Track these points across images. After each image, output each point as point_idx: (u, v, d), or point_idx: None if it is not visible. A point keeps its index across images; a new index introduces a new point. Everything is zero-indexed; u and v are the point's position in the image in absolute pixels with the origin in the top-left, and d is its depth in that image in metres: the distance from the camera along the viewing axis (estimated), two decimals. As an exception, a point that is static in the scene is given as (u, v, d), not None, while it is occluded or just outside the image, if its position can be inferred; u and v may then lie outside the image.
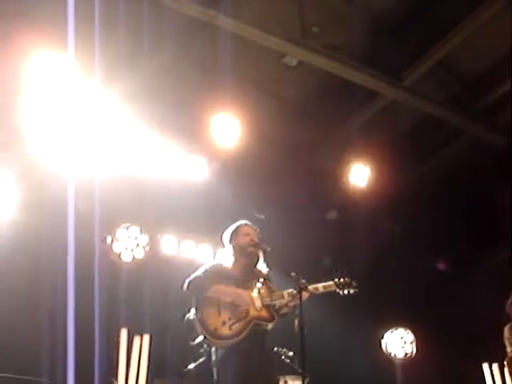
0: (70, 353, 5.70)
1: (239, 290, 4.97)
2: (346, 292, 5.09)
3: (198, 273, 5.07)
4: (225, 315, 4.88)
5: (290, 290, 4.92)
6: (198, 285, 4.97)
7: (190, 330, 5.25)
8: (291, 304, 4.95)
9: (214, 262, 5.34)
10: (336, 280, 5.10)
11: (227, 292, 4.96)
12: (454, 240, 8.92)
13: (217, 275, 5.04)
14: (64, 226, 6.01)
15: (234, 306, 4.90)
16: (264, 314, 4.97)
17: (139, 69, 6.66)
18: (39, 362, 6.42)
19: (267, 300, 4.99)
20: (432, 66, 7.64)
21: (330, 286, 5.09)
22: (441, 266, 9.26)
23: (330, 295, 5.20)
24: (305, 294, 4.84)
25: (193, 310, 5.00)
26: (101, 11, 5.76)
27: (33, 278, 6.65)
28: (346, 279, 5.10)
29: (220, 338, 4.84)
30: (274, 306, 5.01)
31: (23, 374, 6.18)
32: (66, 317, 5.89)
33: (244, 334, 4.84)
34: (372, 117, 8.28)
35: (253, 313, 4.93)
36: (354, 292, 5.11)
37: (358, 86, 7.58)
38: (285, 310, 5.04)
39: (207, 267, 5.15)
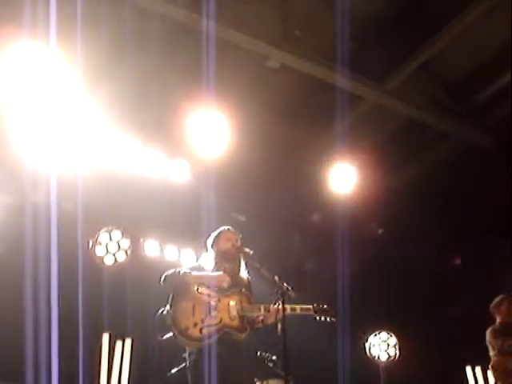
0: (53, 358, 5.67)
1: (217, 295, 4.96)
2: (323, 319, 5.12)
3: (178, 269, 5.05)
4: (198, 316, 4.86)
5: (267, 305, 4.92)
6: (177, 279, 4.94)
7: (160, 324, 5.19)
8: (267, 321, 4.95)
9: (196, 264, 5.33)
10: (315, 305, 5.12)
11: (205, 293, 4.94)
12: (439, 243, 8.94)
13: (197, 276, 5.03)
14: (47, 228, 5.98)
15: (209, 310, 4.89)
16: (236, 324, 4.96)
17: (122, 72, 6.64)
18: (22, 367, 6.38)
19: (243, 311, 4.98)
20: (416, 69, 7.66)
21: (307, 309, 5.10)
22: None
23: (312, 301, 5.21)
24: (279, 310, 4.81)
25: (167, 306, 4.96)
26: (83, 13, 5.73)
27: (16, 280, 6.59)
28: (325, 306, 5.13)
29: (189, 338, 4.82)
30: (249, 318, 5.00)
31: (6, 380, 6.15)
32: (49, 321, 5.87)
33: (213, 339, 4.82)
34: (356, 120, 8.29)
35: (226, 320, 4.92)
36: (331, 320, 5.12)
37: (341, 89, 7.58)
38: (259, 326, 5.04)
39: (189, 266, 5.15)
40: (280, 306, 4.69)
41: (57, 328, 5.91)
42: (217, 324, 4.89)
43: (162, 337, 5.29)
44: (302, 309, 5.08)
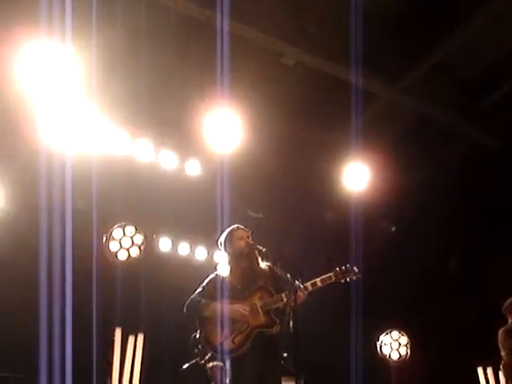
0: (67, 352, 5.71)
1: (235, 306, 5.00)
2: (348, 279, 5.04)
3: (195, 293, 5.14)
4: (226, 330, 4.93)
5: (288, 291, 4.87)
6: (195, 307, 5.07)
7: (197, 348, 5.50)
8: (298, 301, 4.88)
9: (213, 276, 5.31)
10: (336, 270, 5.04)
11: (223, 309, 5.00)
12: (452, 243, 8.91)
13: (214, 290, 5.08)
14: (62, 223, 6.02)
15: (233, 321, 4.95)
16: (264, 320, 4.98)
17: (137, 69, 6.65)
18: (37, 361, 6.43)
19: (266, 306, 5.00)
20: (430, 68, 7.64)
21: (328, 278, 5.01)
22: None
23: (324, 298, 5.20)
24: (301, 295, 4.82)
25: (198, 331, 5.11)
26: (98, 10, 5.76)
27: (30, 273, 6.64)
28: (347, 267, 5.04)
29: (224, 352, 4.90)
30: (277, 309, 5.01)
31: (19, 372, 6.20)
32: (64, 315, 5.91)
33: (248, 344, 4.88)
34: (370, 118, 8.28)
35: (253, 322, 4.95)
36: (357, 278, 5.05)
37: (355, 87, 7.57)
38: (289, 309, 4.99)
39: (204, 284, 5.22)
40: (296, 302, 4.69)
41: (71, 322, 5.95)
42: (246, 329, 4.94)
43: (202, 360, 5.41)
44: (322, 280, 5.01)
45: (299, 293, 4.77)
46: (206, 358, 5.47)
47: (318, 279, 5.01)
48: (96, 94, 6.49)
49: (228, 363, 5.02)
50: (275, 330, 4.97)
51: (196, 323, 5.08)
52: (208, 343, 4.99)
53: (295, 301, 4.69)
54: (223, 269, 5.31)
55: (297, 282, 4.81)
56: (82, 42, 5.89)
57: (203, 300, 5.05)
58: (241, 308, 4.97)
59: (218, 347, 4.93)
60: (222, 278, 5.19)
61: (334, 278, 5.03)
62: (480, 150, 8.69)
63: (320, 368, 7.12)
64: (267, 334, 4.96)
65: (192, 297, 5.14)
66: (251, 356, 4.90)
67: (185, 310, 5.11)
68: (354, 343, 8.18)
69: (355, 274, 5.08)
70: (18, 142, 6.51)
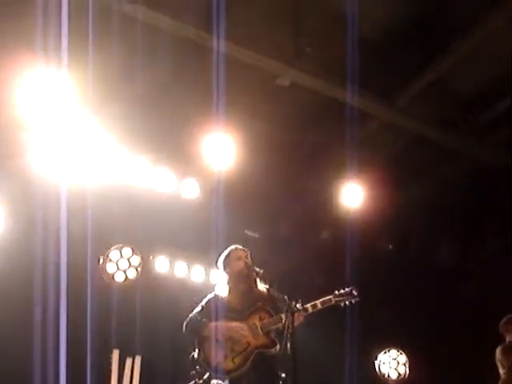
0: (61, 375, 5.68)
1: (235, 324, 4.99)
2: (347, 303, 5.08)
3: (194, 313, 5.12)
4: (226, 349, 4.91)
5: (286, 310, 4.89)
6: (194, 326, 5.05)
7: (194, 367, 5.32)
8: (297, 323, 4.90)
9: (212, 296, 5.32)
10: (336, 292, 5.08)
11: (223, 328, 4.97)
12: (448, 260, 8.91)
13: (213, 310, 5.06)
14: (57, 246, 6.00)
15: (232, 341, 4.92)
16: (264, 341, 4.97)
17: (133, 90, 6.68)
18: (31, 382, 6.39)
19: (266, 327, 4.99)
20: (426, 87, 7.66)
21: (328, 300, 5.06)
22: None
23: (322, 317, 5.19)
24: (300, 317, 4.82)
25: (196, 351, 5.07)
26: (95, 31, 5.78)
27: (25, 297, 6.62)
28: (345, 290, 5.08)
29: (224, 372, 4.87)
30: (276, 330, 5.01)
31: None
32: (58, 338, 5.87)
33: (248, 364, 4.86)
34: (365, 137, 8.29)
35: (253, 342, 4.94)
36: (356, 301, 5.09)
37: (351, 106, 7.60)
38: (287, 330, 4.99)
39: (203, 304, 5.21)
40: (294, 323, 4.68)
41: (65, 345, 5.92)
42: (246, 349, 4.91)
43: (200, 379, 5.36)
44: (323, 302, 5.04)
45: (297, 314, 4.77)
46: (205, 377, 5.39)
47: (318, 301, 5.05)
48: (91, 116, 6.51)
49: (227, 383, 4.99)
50: (275, 350, 4.96)
51: (195, 342, 5.04)
52: (207, 363, 4.94)
53: (293, 322, 4.68)
54: (222, 289, 5.29)
55: (297, 303, 4.80)
56: (78, 63, 5.91)
57: (203, 319, 5.02)
58: (240, 328, 4.95)
59: (217, 367, 4.89)
60: (221, 298, 5.17)
61: (333, 301, 5.07)
62: (477, 168, 8.69)
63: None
64: (267, 355, 4.95)
65: (191, 316, 5.12)
66: (251, 376, 4.88)
67: (184, 330, 5.08)
68: (352, 362, 8.15)
69: (354, 297, 5.11)
70: (14, 164, 6.51)
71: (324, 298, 5.06)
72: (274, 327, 5.02)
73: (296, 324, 4.77)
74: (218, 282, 5.43)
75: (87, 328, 6.32)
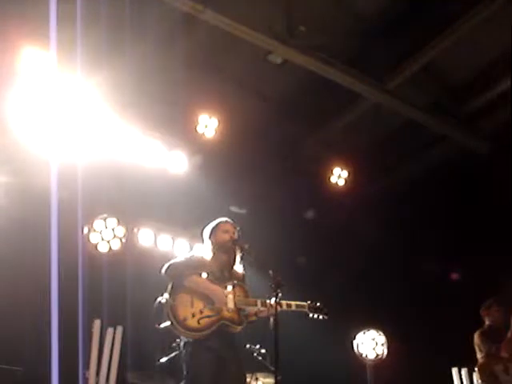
0: (53, 343, 5.68)
1: (216, 287, 4.99)
2: (315, 316, 5.20)
3: (178, 259, 5.08)
4: (197, 307, 4.88)
5: (264, 300, 4.96)
6: (177, 271, 4.94)
7: (158, 313, 5.22)
8: (261, 315, 5.00)
9: (194, 253, 5.34)
10: (309, 303, 5.20)
11: (204, 285, 4.96)
12: (434, 244, 8.97)
13: (196, 265, 5.05)
14: (47, 214, 5.98)
15: (207, 301, 4.91)
16: (234, 316, 4.98)
17: (122, 60, 6.62)
18: (22, 350, 6.39)
19: (241, 304, 5.02)
20: (417, 71, 7.68)
21: (302, 306, 5.18)
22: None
23: (301, 297, 5.26)
24: (276, 308, 4.87)
25: (166, 295, 4.98)
26: (83, 1, 5.72)
27: (16, 264, 6.60)
28: (319, 304, 5.21)
29: (186, 328, 4.83)
30: (245, 310, 5.05)
31: (6, 364, 6.15)
32: (49, 305, 5.86)
33: (210, 330, 4.84)
34: (355, 118, 8.32)
35: (224, 313, 4.95)
36: (323, 318, 5.20)
37: (342, 87, 7.61)
38: (253, 318, 5.08)
39: (187, 256, 5.16)
40: (277, 298, 4.74)
41: (57, 313, 5.92)
42: (214, 315, 4.92)
43: (159, 325, 5.32)
44: (297, 305, 5.16)
45: (275, 302, 4.82)
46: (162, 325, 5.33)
47: (293, 303, 5.12)
48: (81, 87, 6.47)
49: (183, 344, 4.98)
50: (238, 329, 5.01)
51: (168, 288, 4.91)
52: (173, 313, 4.82)
53: (276, 308, 4.74)
54: (204, 252, 5.27)
55: (278, 278, 4.83)
56: (67, 34, 5.85)
57: (187, 268, 4.97)
58: (219, 292, 4.96)
59: (184, 322, 4.85)
60: (204, 258, 5.17)
61: (306, 309, 5.19)
62: (466, 153, 8.74)
63: (296, 366, 7.13)
64: (230, 329, 4.98)
65: (174, 261, 5.02)
66: (213, 344, 4.88)
67: (163, 271, 4.94)
68: (330, 341, 8.21)
69: (325, 314, 5.21)
70: (2, 134, 6.47)
71: (299, 303, 5.17)
72: (247, 308, 5.05)
73: (267, 314, 4.91)
74: (199, 245, 5.40)
75: (78, 298, 6.31)
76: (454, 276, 9.09)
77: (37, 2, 5.46)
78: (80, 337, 5.97)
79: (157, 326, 5.21)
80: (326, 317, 5.22)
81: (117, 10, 6.23)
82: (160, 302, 5.02)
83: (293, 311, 5.15)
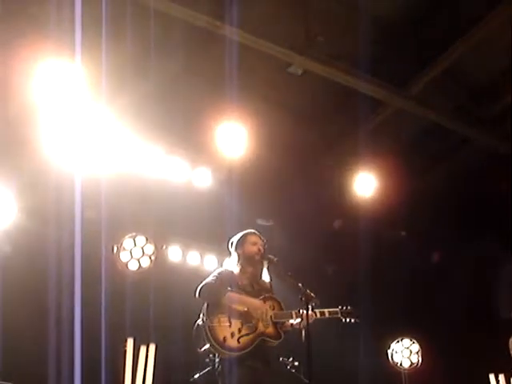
0: (76, 362, 5.70)
1: (254, 300, 4.98)
2: (348, 320, 5.27)
3: (209, 279, 5.05)
4: (235, 326, 4.87)
5: (298, 310, 4.93)
6: (212, 291, 4.94)
7: (198, 336, 5.21)
8: (296, 326, 5.00)
9: (223, 269, 5.33)
10: (340, 308, 5.27)
11: (241, 301, 4.96)
12: (460, 250, 8.89)
13: (227, 282, 5.04)
14: (71, 235, 6.03)
15: (247, 316, 4.89)
16: (272, 331, 4.99)
17: (146, 79, 6.68)
18: (45, 370, 6.43)
19: (277, 317, 5.01)
20: (439, 75, 7.63)
21: (335, 312, 5.25)
22: None
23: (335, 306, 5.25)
24: (311, 316, 4.86)
25: (202, 316, 4.96)
26: (108, 21, 5.79)
27: (39, 285, 6.65)
28: (350, 308, 5.28)
29: (227, 349, 4.84)
30: (284, 323, 5.05)
31: (29, 383, 6.19)
32: (72, 325, 5.90)
33: (250, 348, 4.84)
34: (378, 126, 8.28)
35: (261, 328, 4.94)
36: (355, 321, 5.28)
37: (363, 94, 7.58)
38: (288, 328, 5.08)
39: (217, 274, 5.14)
40: (308, 310, 4.73)
41: (80, 333, 5.95)
42: (253, 332, 4.91)
43: (201, 349, 5.33)
44: (330, 312, 5.21)
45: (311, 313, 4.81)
46: (203, 349, 5.34)
47: (326, 310, 5.21)
48: (106, 105, 6.52)
49: (218, 360, 4.96)
50: (276, 343, 5.00)
51: (205, 309, 4.92)
52: (213, 334, 4.83)
53: (308, 317, 4.72)
54: (232, 266, 5.25)
55: (308, 291, 4.82)
56: (92, 53, 5.93)
57: (220, 286, 4.95)
58: (256, 305, 4.95)
59: (225, 342, 4.83)
60: (232, 272, 5.16)
61: (339, 314, 5.26)
62: (490, 156, 8.66)
63: (330, 376, 7.09)
64: (268, 344, 4.96)
65: (206, 281, 5.00)
66: (250, 361, 4.87)
67: (198, 292, 4.94)
68: (365, 351, 8.16)
69: (357, 317, 5.28)
70: (27, 153, 6.53)
71: (332, 309, 5.24)
72: (284, 321, 5.05)
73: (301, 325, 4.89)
74: (228, 259, 5.39)
75: (102, 317, 6.34)
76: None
77: (63, 19, 5.58)
78: (103, 356, 5.98)
79: (198, 350, 5.23)
80: (358, 320, 5.24)
81: (142, 30, 6.29)
82: (198, 324, 5.02)
83: (326, 318, 5.19)
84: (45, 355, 6.43)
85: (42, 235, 6.85)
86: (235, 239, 5.31)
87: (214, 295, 4.93)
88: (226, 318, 4.88)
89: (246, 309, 4.91)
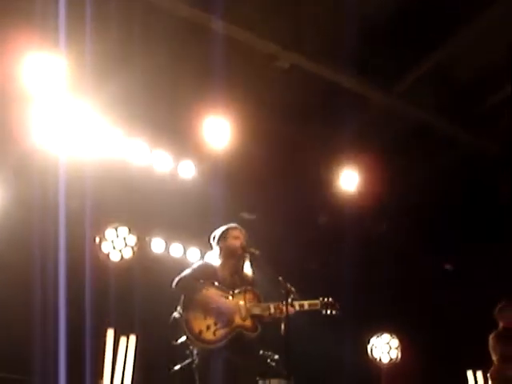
0: (60, 351, 5.72)
1: (226, 299, 5.01)
2: (328, 312, 5.28)
3: (187, 272, 5.10)
4: (210, 319, 4.92)
5: (277, 303, 4.99)
6: (187, 285, 4.99)
7: (174, 329, 5.26)
8: (275, 316, 5.03)
9: (203, 262, 5.37)
10: (321, 299, 5.27)
11: (214, 298, 4.99)
12: (444, 247, 8.94)
13: (205, 276, 5.07)
14: (55, 224, 6.03)
15: (219, 313, 4.93)
16: (248, 323, 5.02)
17: (131, 70, 6.65)
18: (30, 360, 6.44)
19: (254, 311, 5.04)
20: (425, 73, 7.65)
21: (315, 304, 5.25)
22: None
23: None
24: (290, 310, 4.91)
25: (178, 309, 5.01)
26: (92, 11, 5.77)
27: (24, 274, 6.65)
28: (331, 300, 5.29)
29: (203, 341, 4.88)
30: (259, 315, 5.07)
31: (14, 373, 6.20)
32: (57, 317, 5.92)
33: (226, 340, 4.88)
34: (365, 122, 8.29)
35: (237, 321, 4.97)
36: (336, 313, 5.29)
37: (350, 92, 7.60)
38: (267, 320, 5.11)
39: (195, 267, 5.19)
40: (287, 304, 4.76)
41: (64, 323, 5.96)
42: (229, 325, 4.94)
43: (177, 341, 5.36)
44: (310, 304, 5.22)
45: (289, 308, 4.85)
46: (179, 341, 5.35)
47: (306, 302, 5.20)
48: (90, 96, 6.50)
49: (196, 353, 4.99)
50: (254, 335, 5.02)
51: (181, 302, 4.97)
52: (188, 326, 4.89)
53: (287, 310, 4.76)
54: (213, 259, 5.29)
55: (288, 285, 4.85)
56: (76, 44, 5.91)
57: (201, 281, 5.00)
58: (230, 303, 4.99)
59: (200, 335, 4.86)
60: (212, 266, 5.19)
61: (319, 306, 5.26)
62: (476, 155, 8.70)
63: (310, 370, 7.13)
64: (246, 337, 4.99)
65: (184, 274, 5.07)
66: (227, 353, 4.90)
67: (174, 285, 5.00)
68: (344, 346, 8.20)
69: (337, 309, 5.29)
70: (10, 142, 6.51)
71: (311, 301, 5.24)
72: (260, 313, 5.07)
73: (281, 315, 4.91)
74: (209, 254, 5.42)
75: (85, 307, 6.35)
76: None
77: (46, 9, 5.55)
78: (87, 346, 6.01)
79: (174, 342, 5.26)
80: (338, 312, 5.27)
81: (126, 21, 6.27)
82: (174, 317, 5.07)
83: (306, 311, 5.20)
84: (29, 345, 6.44)
85: (26, 224, 6.83)
86: (217, 233, 5.34)
87: (189, 289, 4.98)
88: (202, 312, 4.92)
89: (217, 306, 4.94)
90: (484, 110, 8.33)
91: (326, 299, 5.28)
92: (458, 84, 8.22)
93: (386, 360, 8.66)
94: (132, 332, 6.76)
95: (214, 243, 5.33)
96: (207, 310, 4.93)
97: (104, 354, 6.58)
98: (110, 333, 6.55)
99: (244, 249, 5.18)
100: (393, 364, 8.64)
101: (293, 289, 4.91)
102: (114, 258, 7.54)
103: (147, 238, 7.94)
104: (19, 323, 6.47)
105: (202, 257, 8.05)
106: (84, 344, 6.27)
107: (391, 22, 7.35)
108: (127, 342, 6.62)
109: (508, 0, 6.69)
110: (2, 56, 5.87)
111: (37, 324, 6.50)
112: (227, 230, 5.32)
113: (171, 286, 5.04)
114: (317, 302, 5.25)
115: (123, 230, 7.60)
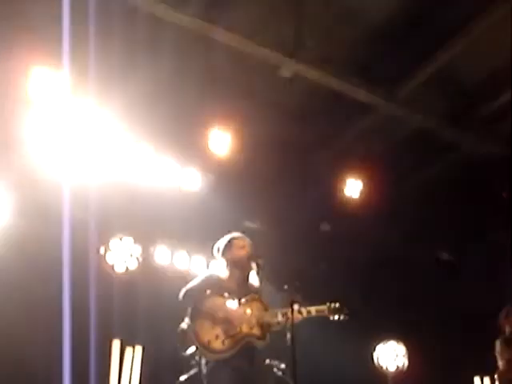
0: (65, 363, 5.71)
1: (234, 308, 5.00)
2: (336, 318, 5.22)
3: (194, 283, 5.10)
4: (218, 329, 4.91)
5: (284, 311, 4.97)
6: (194, 297, 5.00)
7: (182, 340, 5.26)
8: (282, 322, 5.01)
9: (210, 273, 5.35)
10: (328, 304, 5.21)
11: (222, 308, 4.99)
12: (449, 253, 8.93)
13: (212, 287, 5.06)
14: (59, 235, 6.03)
15: (227, 322, 4.93)
16: (257, 331, 5.01)
17: (135, 81, 6.68)
18: (35, 371, 6.43)
19: (261, 319, 5.03)
20: (427, 79, 7.65)
21: (322, 309, 5.20)
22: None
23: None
24: (297, 317, 4.90)
25: (186, 320, 5.02)
26: (96, 23, 5.79)
27: (27, 286, 6.65)
28: (338, 305, 5.22)
29: (212, 351, 4.88)
30: (267, 323, 5.06)
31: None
32: (61, 326, 5.91)
33: (235, 349, 4.87)
34: (366, 129, 8.30)
35: (245, 330, 4.97)
36: (344, 318, 5.22)
37: (352, 98, 7.61)
38: (276, 327, 5.10)
39: (203, 278, 5.18)
40: (293, 312, 4.76)
41: (69, 334, 5.95)
42: (237, 334, 4.93)
43: (185, 351, 5.34)
44: (317, 310, 5.19)
45: (296, 315, 4.84)
46: (188, 352, 5.33)
47: (313, 308, 5.18)
48: (93, 107, 6.52)
49: (204, 363, 4.98)
50: (263, 343, 5.01)
51: (189, 313, 4.97)
52: (197, 337, 4.89)
53: (292, 318, 4.75)
54: (219, 270, 5.28)
55: (295, 302, 4.85)
56: (79, 57, 5.93)
57: (208, 291, 5.00)
58: (237, 312, 4.98)
59: (209, 345, 4.87)
60: (219, 276, 5.18)
61: (326, 312, 5.20)
62: (478, 160, 8.70)
63: (316, 379, 7.11)
64: (254, 345, 4.98)
65: (191, 286, 5.07)
66: (235, 362, 4.89)
67: (181, 296, 5.01)
68: (351, 353, 8.17)
69: (345, 314, 5.22)
70: (15, 153, 6.53)
71: (319, 307, 5.20)
72: (269, 321, 5.06)
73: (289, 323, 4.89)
74: (215, 264, 5.41)
75: (90, 318, 6.34)
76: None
77: (50, 23, 5.58)
78: (93, 357, 6.00)
79: (183, 353, 5.25)
80: (346, 316, 5.21)
81: (130, 32, 6.29)
82: (182, 328, 5.07)
83: (313, 319, 5.16)
84: (33, 356, 6.43)
85: (31, 235, 6.84)
86: (221, 244, 5.33)
87: (196, 301, 4.97)
88: (210, 322, 4.92)
89: (225, 315, 4.93)
90: (486, 114, 8.33)
91: (333, 304, 5.23)
92: (459, 89, 8.22)
93: (392, 368, 8.60)
94: (138, 342, 6.74)
95: (218, 255, 5.32)
96: (215, 319, 4.93)
97: (110, 365, 6.56)
98: (116, 343, 6.54)
99: (250, 258, 5.17)
100: (400, 371, 8.58)
101: (299, 296, 4.90)
102: (119, 268, 7.54)
103: (152, 249, 7.93)
104: (23, 335, 6.47)
105: (207, 266, 8.06)
106: (89, 355, 6.25)
107: (393, 28, 7.36)
108: (133, 352, 6.60)
109: (510, 2, 6.68)
110: (6, 71, 5.89)
111: (41, 335, 6.50)
112: (232, 240, 5.31)
113: (178, 297, 5.04)
114: (324, 307, 5.20)
115: (128, 241, 7.60)
